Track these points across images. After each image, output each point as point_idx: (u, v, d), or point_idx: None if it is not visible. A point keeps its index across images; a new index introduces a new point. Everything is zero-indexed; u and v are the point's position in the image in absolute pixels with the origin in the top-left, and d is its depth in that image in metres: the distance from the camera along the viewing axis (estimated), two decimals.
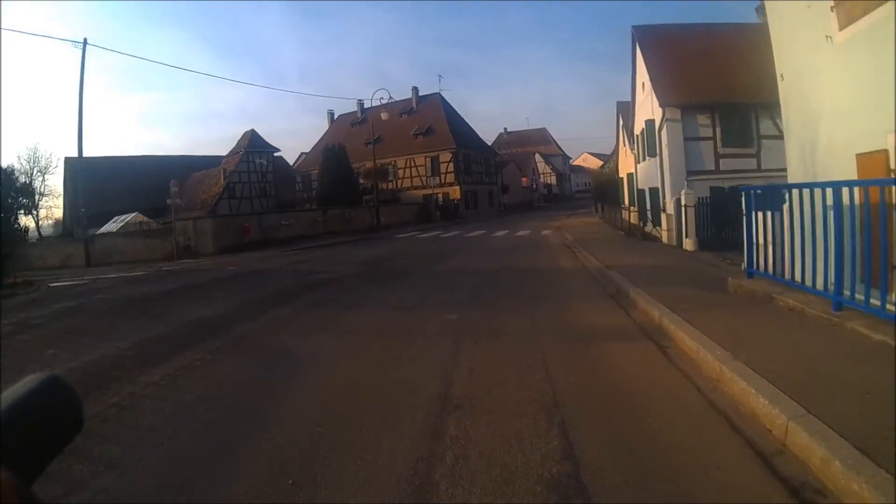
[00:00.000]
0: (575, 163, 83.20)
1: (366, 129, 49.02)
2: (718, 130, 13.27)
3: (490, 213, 43.64)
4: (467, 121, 46.50)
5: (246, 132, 39.97)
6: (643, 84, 16.28)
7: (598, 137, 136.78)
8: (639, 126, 17.48)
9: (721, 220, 11.98)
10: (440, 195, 41.29)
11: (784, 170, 13.64)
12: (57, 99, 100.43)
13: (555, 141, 74.22)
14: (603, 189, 27.88)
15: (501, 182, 47.65)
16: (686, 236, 11.85)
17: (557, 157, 73.29)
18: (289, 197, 41.97)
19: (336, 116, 52.73)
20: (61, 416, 0.55)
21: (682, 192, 11.94)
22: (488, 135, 60.86)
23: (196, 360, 4.86)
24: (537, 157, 66.95)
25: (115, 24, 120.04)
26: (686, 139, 13.17)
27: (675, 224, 12.91)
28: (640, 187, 18.02)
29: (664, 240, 13.60)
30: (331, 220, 26.45)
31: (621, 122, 22.56)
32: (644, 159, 17.09)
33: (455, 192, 40.73)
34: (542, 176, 68.21)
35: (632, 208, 19.61)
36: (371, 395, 3.66)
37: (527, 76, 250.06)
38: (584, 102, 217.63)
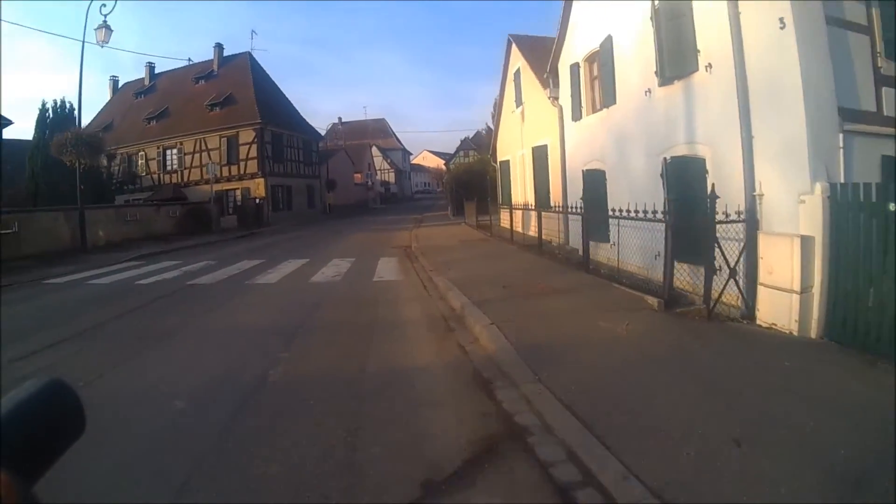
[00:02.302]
0: (414, 161, 75.17)
1: (153, 99, 33.17)
2: (878, 16, 4.63)
3: (309, 216, 31.94)
4: (297, 107, 34.24)
5: None
6: None
7: (440, 132, 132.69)
8: (596, 37, 8.35)
9: None
10: (238, 191, 28.29)
11: None
12: None
13: (395, 134, 64.68)
14: (472, 183, 18.77)
15: (327, 175, 36.11)
16: None
17: (397, 152, 63.88)
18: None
19: (121, 85, 36.51)
20: (64, 420, 0.54)
21: None
22: (323, 128, 48.40)
23: None
24: (374, 150, 56.65)
25: None
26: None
27: (823, 274, 3.79)
28: (588, 168, 8.81)
29: (763, 318, 4.42)
30: None
31: (517, 66, 13.37)
32: (600, 107, 7.99)
33: (259, 188, 28.10)
34: (379, 172, 58.13)
35: (539, 210, 10.57)
36: None
37: (373, 78, 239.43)
38: (426, 105, 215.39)
